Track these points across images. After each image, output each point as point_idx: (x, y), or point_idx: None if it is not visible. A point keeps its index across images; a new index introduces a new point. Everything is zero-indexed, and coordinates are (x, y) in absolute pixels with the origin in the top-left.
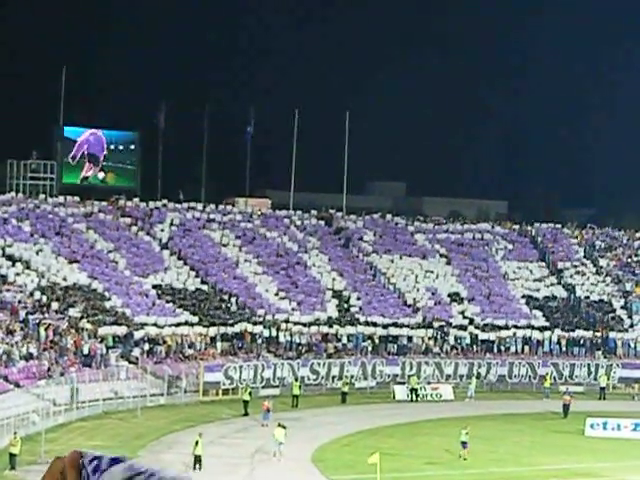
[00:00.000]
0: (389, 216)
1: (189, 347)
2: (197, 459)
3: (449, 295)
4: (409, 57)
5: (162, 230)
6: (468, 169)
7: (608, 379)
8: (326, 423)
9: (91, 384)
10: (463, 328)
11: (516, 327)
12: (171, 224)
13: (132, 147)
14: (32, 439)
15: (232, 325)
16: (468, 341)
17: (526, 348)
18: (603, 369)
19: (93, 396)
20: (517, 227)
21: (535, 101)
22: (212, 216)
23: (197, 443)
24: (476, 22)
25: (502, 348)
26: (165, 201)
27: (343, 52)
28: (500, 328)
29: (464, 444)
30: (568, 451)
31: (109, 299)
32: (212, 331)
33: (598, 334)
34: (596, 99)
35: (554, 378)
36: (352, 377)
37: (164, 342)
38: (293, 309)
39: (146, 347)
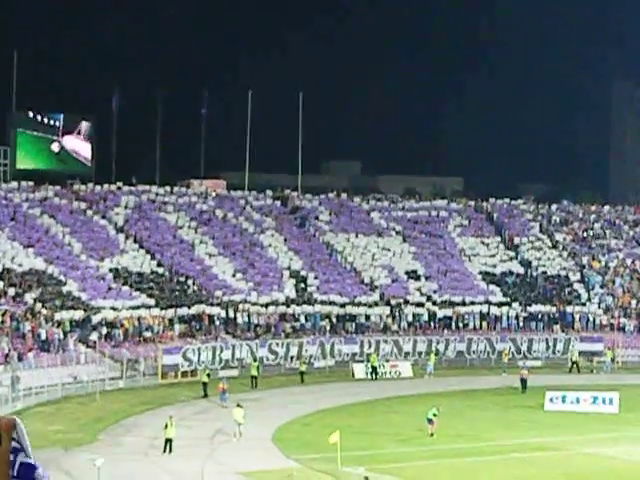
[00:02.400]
0: (344, 195)
1: (147, 330)
2: (168, 442)
3: (406, 273)
4: (361, 35)
5: (117, 214)
6: (423, 146)
7: (580, 354)
8: (286, 403)
9: (49, 369)
10: (421, 305)
11: (473, 303)
12: (126, 207)
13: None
14: None
15: (189, 307)
16: (426, 318)
17: (484, 324)
18: (573, 344)
19: (52, 381)
20: (473, 203)
21: (492, 78)
22: (167, 198)
23: (166, 426)
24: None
25: (460, 324)
26: (120, 184)
27: (295, 33)
28: (457, 304)
29: (430, 421)
30: (528, 426)
31: (65, 284)
32: (169, 313)
33: (555, 309)
34: (552, 77)
35: (512, 353)
36: (311, 357)
37: (121, 325)
38: (250, 290)
39: (104, 331)
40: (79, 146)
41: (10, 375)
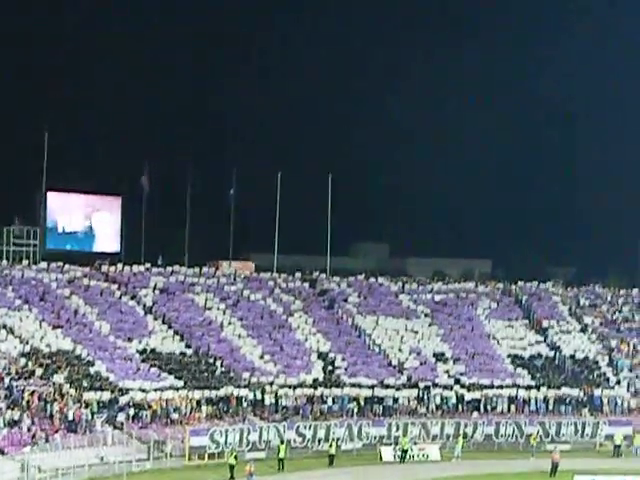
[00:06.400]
0: (373, 277)
1: (174, 411)
2: None
3: (434, 355)
4: (389, 119)
5: (146, 295)
6: (451, 229)
7: (624, 438)
8: None
9: (77, 450)
10: (449, 388)
11: (502, 386)
12: (155, 288)
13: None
14: None
15: (217, 389)
16: (454, 401)
17: (512, 407)
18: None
19: (79, 462)
20: (501, 286)
21: (516, 160)
22: (196, 279)
23: None
24: (461, 80)
25: (488, 407)
26: (148, 265)
27: (325, 115)
28: (486, 387)
29: None
30: None
31: (93, 364)
32: (197, 395)
33: (583, 392)
34: (581, 157)
35: (541, 437)
36: (338, 439)
37: (149, 407)
38: (278, 371)
39: (131, 412)
40: (108, 226)
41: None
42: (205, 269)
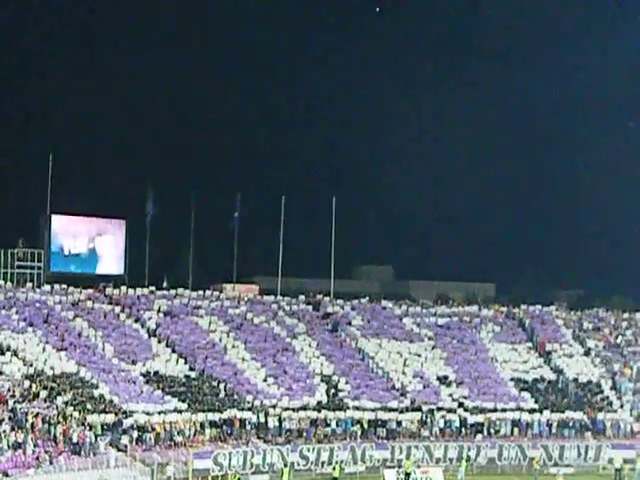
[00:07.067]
0: (377, 300)
1: (178, 434)
2: None
3: (437, 378)
4: (393, 143)
5: (150, 317)
6: (455, 252)
7: (624, 462)
8: None
9: (80, 472)
10: (452, 411)
11: (505, 410)
12: (159, 311)
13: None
14: None
15: (221, 411)
16: (457, 424)
17: (515, 430)
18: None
19: None
20: (504, 309)
21: (520, 186)
22: (200, 302)
23: None
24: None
25: (491, 430)
26: (152, 288)
27: (328, 139)
28: (489, 411)
29: None
30: None
31: (97, 387)
32: (201, 417)
33: (586, 416)
34: (583, 179)
35: (544, 460)
36: (342, 462)
37: (153, 429)
38: (282, 394)
39: (135, 434)
40: (112, 249)
41: None
42: (209, 292)
